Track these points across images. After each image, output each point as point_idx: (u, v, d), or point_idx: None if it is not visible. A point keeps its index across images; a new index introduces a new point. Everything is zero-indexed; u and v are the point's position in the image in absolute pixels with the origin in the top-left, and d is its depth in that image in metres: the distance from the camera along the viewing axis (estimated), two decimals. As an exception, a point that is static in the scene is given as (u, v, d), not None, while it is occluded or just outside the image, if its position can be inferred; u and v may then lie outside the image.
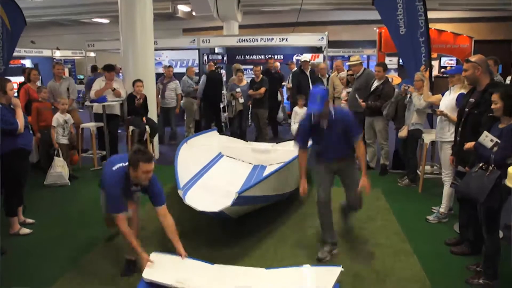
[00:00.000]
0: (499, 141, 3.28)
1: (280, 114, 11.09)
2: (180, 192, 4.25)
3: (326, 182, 4.13)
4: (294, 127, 8.18)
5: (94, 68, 11.56)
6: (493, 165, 3.31)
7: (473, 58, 3.92)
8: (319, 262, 3.91)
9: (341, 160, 4.16)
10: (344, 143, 4.07)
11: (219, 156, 6.46)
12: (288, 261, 3.98)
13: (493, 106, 3.39)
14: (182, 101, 9.61)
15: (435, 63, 14.51)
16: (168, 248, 3.93)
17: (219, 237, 4.51)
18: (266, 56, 14.05)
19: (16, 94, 5.05)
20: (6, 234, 4.51)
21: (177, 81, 9.51)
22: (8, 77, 4.92)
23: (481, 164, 3.42)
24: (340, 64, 9.00)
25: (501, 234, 4.08)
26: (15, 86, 6.14)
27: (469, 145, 3.66)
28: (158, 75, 10.35)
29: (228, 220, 4.37)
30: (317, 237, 4.45)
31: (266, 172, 5.80)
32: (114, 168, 3.61)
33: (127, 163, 3.56)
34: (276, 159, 6.28)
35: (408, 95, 6.02)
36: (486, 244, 3.51)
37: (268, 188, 4.51)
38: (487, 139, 3.36)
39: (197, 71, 11.42)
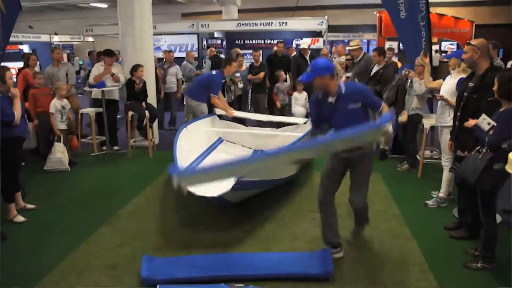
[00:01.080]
0: (495, 124, 3.29)
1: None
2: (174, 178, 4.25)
3: (329, 180, 3.69)
4: (295, 109, 8.17)
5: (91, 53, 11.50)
6: (486, 148, 3.33)
7: (473, 42, 3.90)
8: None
9: (355, 149, 3.46)
10: (359, 124, 3.20)
11: (219, 141, 6.45)
12: (287, 245, 4.01)
13: (494, 88, 3.40)
14: (183, 86, 9.57)
15: (435, 48, 14.45)
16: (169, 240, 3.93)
17: (219, 221, 4.53)
18: (266, 41, 13.99)
19: (14, 81, 5.01)
20: (7, 220, 4.54)
21: (178, 66, 9.43)
22: (5, 63, 4.90)
23: (478, 147, 3.44)
24: (341, 49, 8.95)
25: (499, 219, 4.11)
26: (13, 71, 6.12)
27: (469, 123, 3.65)
28: (158, 60, 10.31)
29: (228, 204, 4.38)
30: (316, 220, 4.47)
31: None
32: (213, 72, 6.89)
33: (219, 69, 6.82)
34: (276, 144, 6.27)
35: (409, 80, 6.00)
36: (483, 228, 3.54)
37: (270, 172, 4.51)
38: (484, 121, 3.36)
39: (196, 55, 11.37)
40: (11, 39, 9.05)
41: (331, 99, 3.50)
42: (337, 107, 3.50)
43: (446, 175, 4.87)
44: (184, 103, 9.98)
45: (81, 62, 17.45)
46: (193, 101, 6.74)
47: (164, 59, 9.73)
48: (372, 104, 3.58)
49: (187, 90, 7.19)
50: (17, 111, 4.33)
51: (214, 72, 6.84)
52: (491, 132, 3.30)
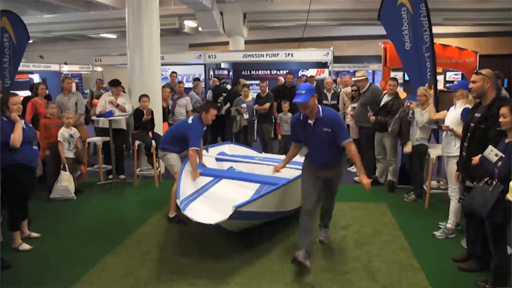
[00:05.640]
0: (503, 156, 3.26)
1: None
2: (178, 201, 4.27)
3: (312, 190, 4.19)
4: None
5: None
6: (496, 180, 3.29)
7: (483, 71, 3.91)
8: (293, 261, 3.92)
9: (329, 169, 4.26)
10: (332, 147, 4.15)
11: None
12: (284, 277, 3.94)
13: (501, 119, 3.39)
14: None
15: (440, 78, 14.54)
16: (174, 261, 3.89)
17: (218, 249, 4.52)
18: (272, 71, 14.15)
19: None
20: (12, 248, 4.52)
21: (188, 98, 9.13)
22: (14, 92, 4.96)
23: (486, 179, 3.41)
24: (348, 79, 9.04)
25: (509, 250, 4.04)
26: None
27: (476, 159, 3.64)
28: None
29: (228, 233, 4.36)
30: (322, 250, 4.43)
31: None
32: (190, 120, 5.37)
33: (196, 115, 5.49)
34: (288, 174, 6.15)
35: (411, 111, 6.02)
36: (494, 260, 3.48)
37: (269, 204, 4.46)
38: (492, 153, 3.35)
39: (203, 86, 11.47)
40: (23, 68, 9.26)
41: (310, 121, 4.11)
42: (315, 129, 4.11)
43: (453, 205, 4.82)
44: None
45: (87, 91, 17.69)
46: (160, 151, 5.69)
47: (174, 90, 9.39)
48: (338, 135, 4.09)
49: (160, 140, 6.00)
50: (15, 135, 4.32)
51: (190, 119, 5.46)
52: (499, 163, 3.27)
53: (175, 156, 5.50)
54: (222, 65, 14.99)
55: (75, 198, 6.43)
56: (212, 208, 4.41)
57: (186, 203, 4.40)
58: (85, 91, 18.14)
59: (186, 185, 4.87)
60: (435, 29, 7.21)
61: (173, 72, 10.47)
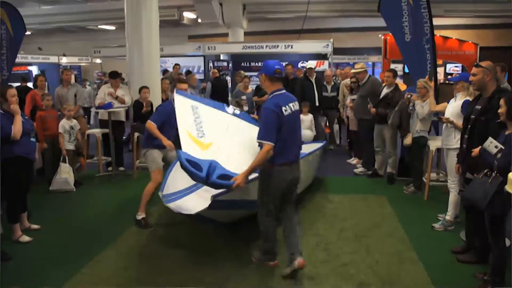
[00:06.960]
0: (503, 147, 3.26)
1: None
2: (160, 194, 4.29)
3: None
4: (303, 133, 8.14)
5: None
6: (495, 172, 3.29)
7: (483, 64, 3.90)
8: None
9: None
10: None
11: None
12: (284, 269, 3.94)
13: (499, 110, 3.38)
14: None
15: (440, 70, 14.51)
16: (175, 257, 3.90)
17: (219, 241, 4.52)
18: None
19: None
20: (12, 240, 4.53)
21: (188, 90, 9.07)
22: (11, 84, 4.96)
23: (485, 171, 3.41)
24: (348, 71, 9.02)
25: (508, 242, 4.05)
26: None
27: (476, 151, 3.64)
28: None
29: (220, 224, 4.38)
30: (321, 244, 4.44)
31: None
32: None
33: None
34: None
35: (411, 103, 6.01)
36: (493, 252, 3.48)
37: (253, 193, 4.40)
38: (491, 145, 3.34)
39: (202, 77, 11.44)
40: (21, 60, 9.22)
41: None
42: None
43: (452, 197, 4.83)
44: None
45: (88, 83, 17.64)
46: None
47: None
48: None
49: None
50: (15, 127, 4.32)
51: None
52: (499, 155, 3.27)
53: (157, 153, 5.23)
54: (222, 57, 14.96)
55: (74, 190, 6.43)
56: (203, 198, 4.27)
57: (177, 197, 4.37)
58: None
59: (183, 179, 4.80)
60: (436, 21, 7.17)
61: (176, 64, 10.43)
